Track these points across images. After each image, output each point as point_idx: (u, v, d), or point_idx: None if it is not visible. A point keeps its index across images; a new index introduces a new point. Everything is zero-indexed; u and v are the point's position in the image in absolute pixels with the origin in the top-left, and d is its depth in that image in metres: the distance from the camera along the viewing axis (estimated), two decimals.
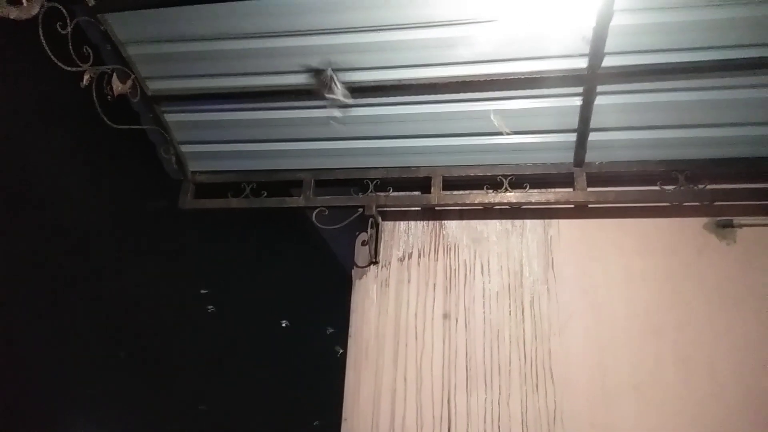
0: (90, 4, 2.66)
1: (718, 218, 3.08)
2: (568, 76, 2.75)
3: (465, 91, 2.92)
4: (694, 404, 2.78)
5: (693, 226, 3.12)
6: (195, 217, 3.61)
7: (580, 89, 2.81)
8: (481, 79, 2.83)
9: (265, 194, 3.45)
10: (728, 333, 2.88)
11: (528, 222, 3.33)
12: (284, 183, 3.53)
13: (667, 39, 2.58)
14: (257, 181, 3.49)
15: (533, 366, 3.01)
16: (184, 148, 3.47)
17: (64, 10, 2.49)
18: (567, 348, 3.00)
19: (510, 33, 2.65)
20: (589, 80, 2.73)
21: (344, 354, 3.21)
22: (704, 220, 3.11)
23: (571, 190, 3.16)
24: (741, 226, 3.05)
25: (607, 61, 2.67)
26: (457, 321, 3.17)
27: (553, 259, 3.21)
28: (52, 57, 2.44)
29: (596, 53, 2.61)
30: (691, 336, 2.91)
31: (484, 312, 3.16)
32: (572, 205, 3.24)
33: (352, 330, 3.29)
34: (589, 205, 3.22)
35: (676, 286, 3.01)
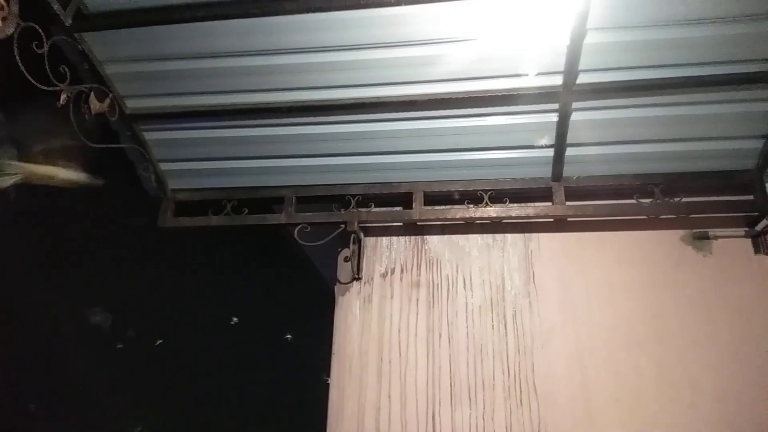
0: (67, 24, 2.64)
1: (694, 230, 3.14)
2: (544, 93, 2.80)
3: (443, 108, 2.95)
4: (674, 416, 2.81)
5: (670, 238, 3.17)
6: (175, 236, 3.57)
7: (556, 105, 2.85)
8: (459, 96, 2.87)
9: (247, 211, 3.43)
10: (707, 344, 2.92)
11: (509, 236, 3.35)
12: (265, 200, 3.52)
13: (639, 56, 2.64)
14: (238, 198, 3.48)
15: (516, 380, 3.01)
16: (164, 166, 3.44)
17: (40, 30, 2.46)
18: (549, 362, 3.02)
19: (487, 51, 2.69)
20: (564, 97, 2.78)
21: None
22: (681, 232, 3.17)
23: (550, 204, 3.20)
24: (716, 237, 3.11)
25: (582, 78, 2.73)
26: (440, 336, 3.17)
27: (534, 272, 3.24)
28: (28, 77, 2.41)
29: (571, 70, 2.66)
30: (670, 348, 2.94)
31: (467, 326, 3.17)
32: (551, 219, 3.27)
33: (335, 347, 3.27)
34: (568, 219, 3.25)
35: (656, 298, 3.05)
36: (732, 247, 3.10)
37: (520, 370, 3.03)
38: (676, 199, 3.07)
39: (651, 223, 3.19)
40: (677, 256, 3.12)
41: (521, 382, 3.00)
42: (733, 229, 3.11)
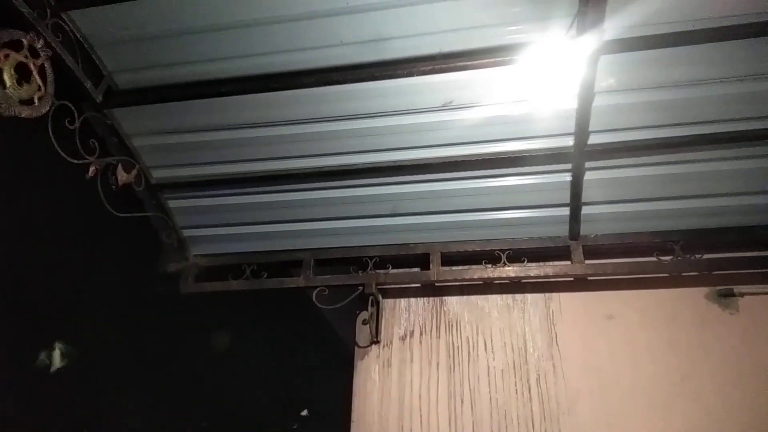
0: (98, 101, 2.80)
1: (719, 287, 3.07)
2: (556, 154, 2.85)
3: (457, 170, 3.00)
4: None
5: (694, 296, 3.10)
6: (196, 300, 3.61)
7: (569, 166, 2.89)
8: (473, 159, 2.93)
9: (265, 275, 3.47)
10: (741, 406, 2.79)
11: (529, 296, 3.31)
12: (284, 263, 3.56)
13: (649, 116, 2.69)
14: (257, 262, 3.52)
15: None
16: (186, 233, 3.53)
17: (72, 107, 2.62)
18: (577, 427, 2.90)
19: (498, 116, 2.77)
20: (576, 158, 2.82)
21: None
22: (705, 289, 3.10)
23: (569, 263, 3.17)
24: (743, 294, 3.03)
25: (593, 139, 2.78)
26: (462, 402, 3.08)
27: (556, 333, 3.17)
28: (60, 152, 2.54)
29: (581, 132, 2.71)
30: (703, 410, 2.81)
31: (489, 391, 3.08)
32: (571, 278, 3.23)
33: (354, 414, 3.19)
34: (589, 278, 3.21)
35: (684, 359, 2.95)
36: (760, 303, 3.01)
37: None
38: (697, 256, 3.02)
39: (673, 280, 3.13)
40: (702, 315, 3.04)
41: None
42: (760, 286, 3.03)
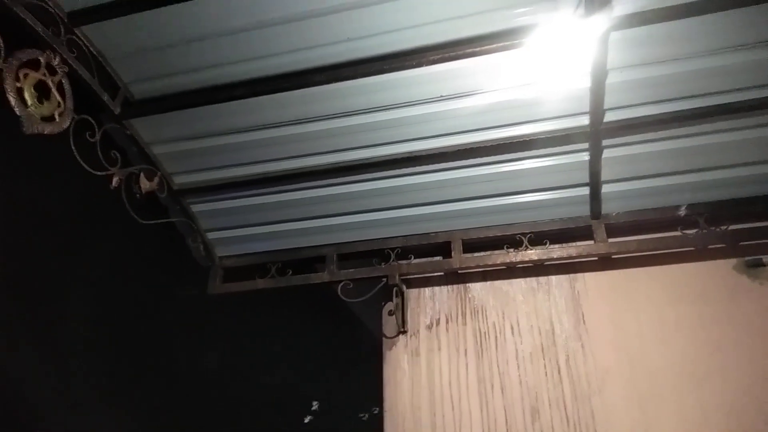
0: (116, 112, 2.86)
1: (747, 258, 3.02)
2: (572, 134, 2.82)
3: (473, 157, 3.00)
4: None
5: (722, 268, 3.05)
6: (224, 301, 3.68)
7: (586, 145, 2.86)
8: (488, 144, 2.92)
9: (290, 272, 3.53)
10: None
11: (553, 278, 3.30)
12: (308, 260, 3.61)
13: (664, 90, 2.65)
14: (282, 260, 3.58)
15: (577, 428, 2.90)
16: (211, 236, 3.60)
17: (92, 120, 2.68)
18: (609, 406, 2.89)
19: (511, 99, 2.76)
20: (593, 136, 2.79)
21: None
22: (733, 261, 3.05)
23: (592, 242, 3.15)
24: None
25: (609, 116, 2.75)
26: (492, 386, 3.10)
27: (583, 314, 3.16)
28: (84, 165, 2.61)
29: (596, 110, 2.68)
30: (737, 384, 2.78)
31: (519, 375, 3.09)
32: (595, 258, 3.21)
33: (386, 404, 3.24)
34: (613, 256, 3.19)
35: (714, 332, 2.92)
36: None
37: (579, 418, 2.91)
38: (723, 228, 2.98)
39: (700, 254, 3.08)
40: (732, 287, 2.99)
41: (582, 431, 2.88)
42: None
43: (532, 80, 2.68)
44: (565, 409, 2.95)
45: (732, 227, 2.97)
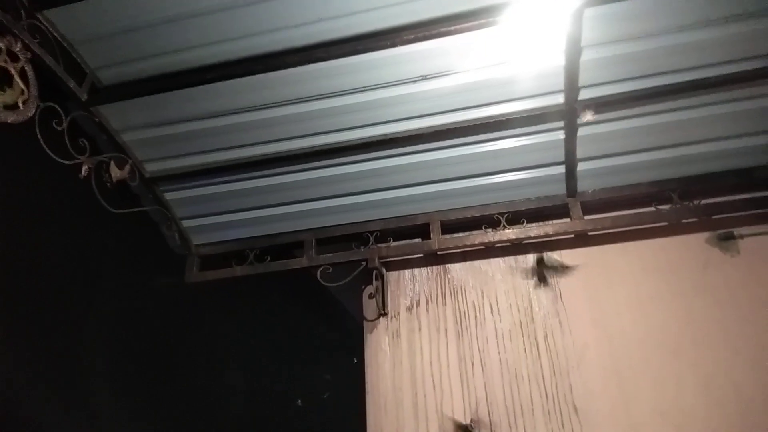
0: (83, 99, 2.78)
1: (719, 231, 3.09)
2: (547, 113, 2.83)
3: (449, 138, 3.00)
4: (722, 425, 2.71)
5: (695, 241, 3.12)
6: (201, 289, 3.64)
7: (561, 123, 2.88)
8: (463, 125, 2.92)
9: (269, 258, 3.50)
10: (748, 348, 2.83)
11: (531, 256, 3.33)
12: (287, 245, 3.58)
13: (637, 66, 2.66)
14: (260, 246, 3.55)
15: (555, 402, 2.95)
16: (186, 224, 3.54)
17: (58, 108, 2.60)
18: (587, 380, 2.95)
19: (485, 79, 2.75)
20: (568, 114, 2.81)
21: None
22: (705, 234, 3.11)
23: (568, 220, 3.19)
24: (742, 236, 3.05)
25: (584, 94, 2.76)
26: (473, 364, 3.14)
27: (560, 290, 3.20)
28: (51, 154, 2.54)
29: (571, 88, 2.69)
30: (709, 355, 2.86)
31: (498, 352, 3.13)
32: (572, 235, 3.25)
33: (368, 386, 3.25)
34: (589, 233, 3.23)
35: (688, 304, 2.98)
36: (760, 245, 3.03)
37: (557, 392, 2.97)
38: (696, 202, 3.03)
39: (673, 228, 3.14)
40: (704, 260, 3.06)
41: (560, 404, 2.94)
42: (759, 227, 3.05)
43: (506, 59, 2.67)
44: (544, 384, 3.00)
45: (704, 201, 3.03)
